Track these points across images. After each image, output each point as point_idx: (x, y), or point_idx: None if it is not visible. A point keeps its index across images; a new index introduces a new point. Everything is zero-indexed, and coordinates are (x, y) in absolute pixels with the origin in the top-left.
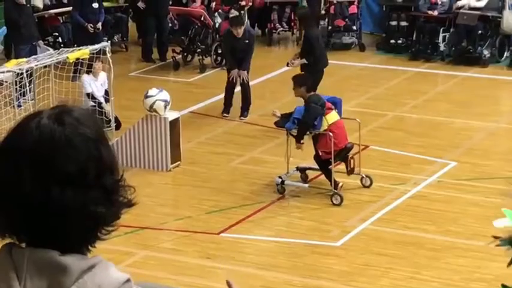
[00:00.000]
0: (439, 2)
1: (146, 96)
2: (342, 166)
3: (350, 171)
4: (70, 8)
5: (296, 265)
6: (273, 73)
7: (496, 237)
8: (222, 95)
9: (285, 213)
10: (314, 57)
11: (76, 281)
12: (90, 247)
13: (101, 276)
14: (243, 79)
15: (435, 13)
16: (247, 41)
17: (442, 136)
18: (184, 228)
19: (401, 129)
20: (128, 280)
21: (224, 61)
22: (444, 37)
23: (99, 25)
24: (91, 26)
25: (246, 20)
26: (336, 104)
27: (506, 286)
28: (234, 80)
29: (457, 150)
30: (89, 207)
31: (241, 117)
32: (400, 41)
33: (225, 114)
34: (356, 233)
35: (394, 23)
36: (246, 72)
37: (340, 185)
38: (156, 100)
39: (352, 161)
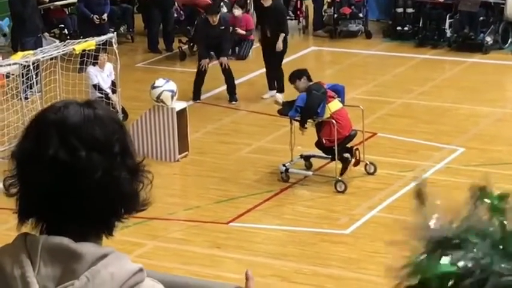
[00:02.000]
0: None
1: (153, 87)
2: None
3: (356, 163)
4: (76, 0)
5: (305, 253)
6: None
7: None
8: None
9: (293, 201)
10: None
11: (89, 268)
12: (107, 233)
13: (114, 265)
14: (224, 65)
15: None
16: (222, 27)
17: (449, 122)
18: (193, 218)
19: (408, 116)
20: (141, 270)
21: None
22: (451, 23)
23: (105, 16)
24: (97, 17)
25: (252, 10)
26: (339, 91)
27: None
28: (204, 68)
29: (464, 136)
30: (113, 173)
31: (231, 103)
32: (406, 28)
33: (197, 101)
34: (365, 220)
35: (400, 9)
36: (226, 58)
37: (352, 161)
38: (163, 91)
39: (357, 152)
